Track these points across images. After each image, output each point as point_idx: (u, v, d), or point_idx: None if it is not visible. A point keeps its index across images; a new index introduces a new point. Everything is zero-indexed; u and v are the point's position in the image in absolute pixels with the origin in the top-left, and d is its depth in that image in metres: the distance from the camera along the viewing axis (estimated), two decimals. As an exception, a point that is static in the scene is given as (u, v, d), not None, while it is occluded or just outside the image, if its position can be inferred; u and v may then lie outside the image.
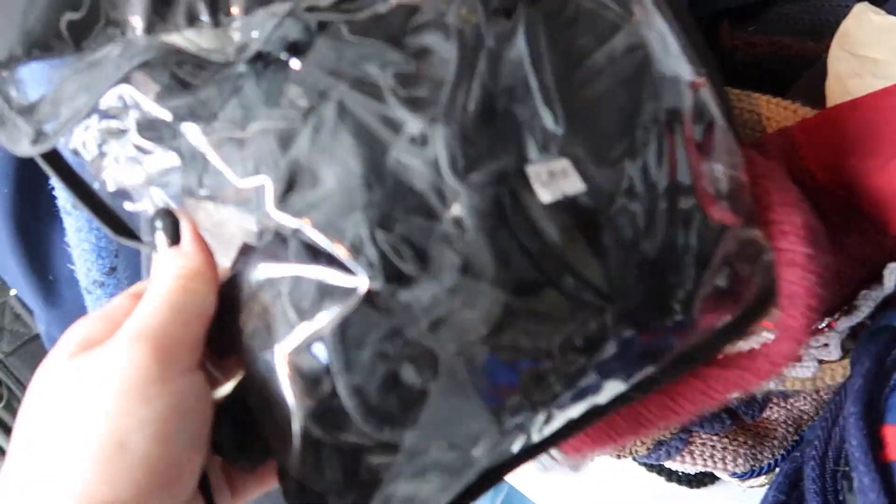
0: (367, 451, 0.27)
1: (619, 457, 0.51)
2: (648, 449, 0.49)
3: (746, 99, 0.56)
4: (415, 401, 0.26)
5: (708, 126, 0.35)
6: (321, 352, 0.26)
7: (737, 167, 0.35)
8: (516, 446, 0.29)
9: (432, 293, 0.26)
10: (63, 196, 0.41)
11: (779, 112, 0.54)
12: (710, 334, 0.33)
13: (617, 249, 0.29)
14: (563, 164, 0.29)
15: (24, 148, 0.28)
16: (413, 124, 0.26)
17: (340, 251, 0.25)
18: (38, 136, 0.27)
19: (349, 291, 0.25)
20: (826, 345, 0.45)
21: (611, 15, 0.33)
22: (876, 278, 0.45)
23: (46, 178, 0.69)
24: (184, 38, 0.28)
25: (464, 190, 0.26)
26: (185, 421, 0.25)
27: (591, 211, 0.29)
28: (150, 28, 0.28)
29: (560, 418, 0.30)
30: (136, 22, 0.28)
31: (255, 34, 0.27)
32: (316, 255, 0.26)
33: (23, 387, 0.82)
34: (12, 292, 0.80)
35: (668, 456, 0.49)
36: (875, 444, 0.36)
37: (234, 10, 0.28)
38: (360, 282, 0.25)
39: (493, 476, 0.30)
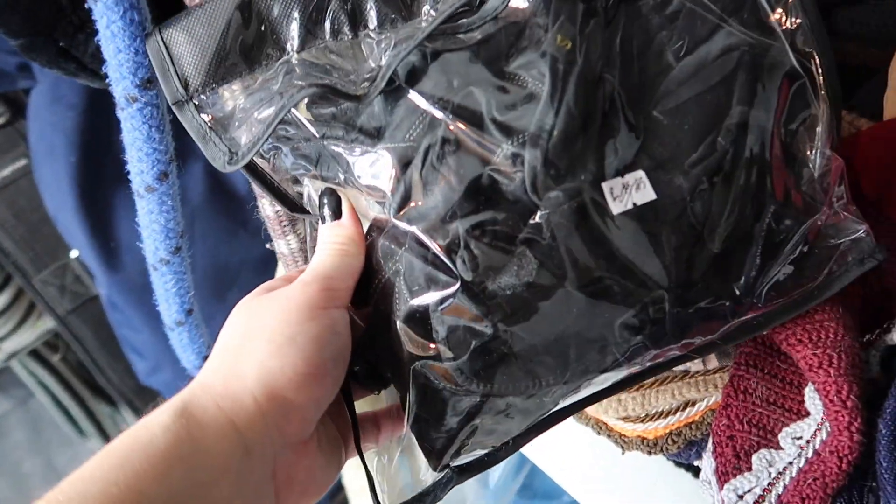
0: (460, 394, 0.34)
1: (650, 452, 0.52)
2: (679, 447, 0.51)
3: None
4: (497, 363, 0.33)
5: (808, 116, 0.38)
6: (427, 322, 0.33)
7: (829, 157, 0.39)
8: (580, 395, 0.38)
9: (513, 286, 0.32)
10: (137, 180, 0.43)
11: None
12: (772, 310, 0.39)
13: (681, 248, 0.34)
14: (638, 175, 0.33)
15: (221, 165, 0.34)
16: (505, 147, 0.31)
17: (441, 251, 0.32)
18: (232, 156, 0.34)
19: (448, 282, 0.32)
20: (867, 362, 0.45)
21: (711, 15, 0.35)
22: (919, 298, 0.45)
23: (112, 148, 0.72)
24: (326, 56, 0.34)
25: (542, 205, 0.31)
26: (335, 337, 0.34)
27: (659, 215, 0.34)
28: (302, 46, 0.34)
29: (612, 378, 0.38)
30: (293, 42, 0.34)
31: (384, 61, 0.33)
32: (426, 249, 0.33)
33: (80, 343, 0.87)
34: (73, 254, 0.84)
35: (699, 456, 0.51)
36: (905, 467, 0.37)
37: (370, 24, 0.35)
38: (456, 275, 0.32)
39: (561, 413, 0.38)
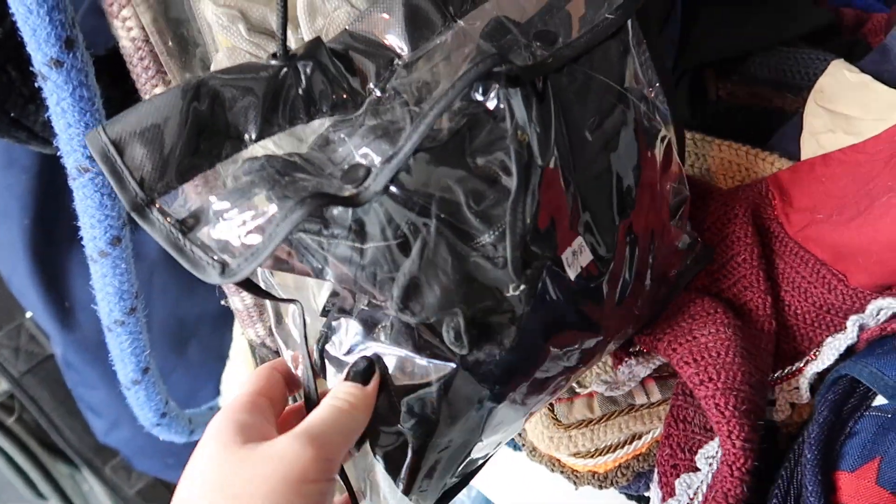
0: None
1: (601, 486, 0.54)
2: (628, 480, 0.53)
3: (727, 148, 0.60)
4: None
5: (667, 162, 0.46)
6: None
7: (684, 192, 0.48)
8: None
9: (497, 353, 0.36)
10: (90, 245, 0.44)
11: (756, 163, 0.58)
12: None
13: (611, 300, 0.41)
14: (579, 241, 0.39)
15: (214, 278, 0.32)
16: (486, 237, 0.35)
17: (447, 337, 0.35)
18: (224, 268, 0.32)
19: (451, 362, 0.36)
20: (797, 388, 0.48)
21: (612, 89, 0.39)
22: (841, 326, 0.49)
23: (66, 210, 0.73)
24: (287, 144, 0.34)
25: (520, 281, 0.35)
26: None
27: (600, 271, 0.40)
28: (260, 135, 0.34)
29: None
30: (251, 132, 0.34)
31: (356, 152, 0.34)
32: (418, 337, 0.36)
33: (35, 403, 0.86)
34: (28, 315, 0.83)
35: (647, 487, 0.53)
36: (828, 489, 0.39)
37: (324, 108, 0.36)
38: (458, 355, 0.36)
39: None
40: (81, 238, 0.49)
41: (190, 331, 0.75)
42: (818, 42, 0.64)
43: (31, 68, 0.40)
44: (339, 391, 0.35)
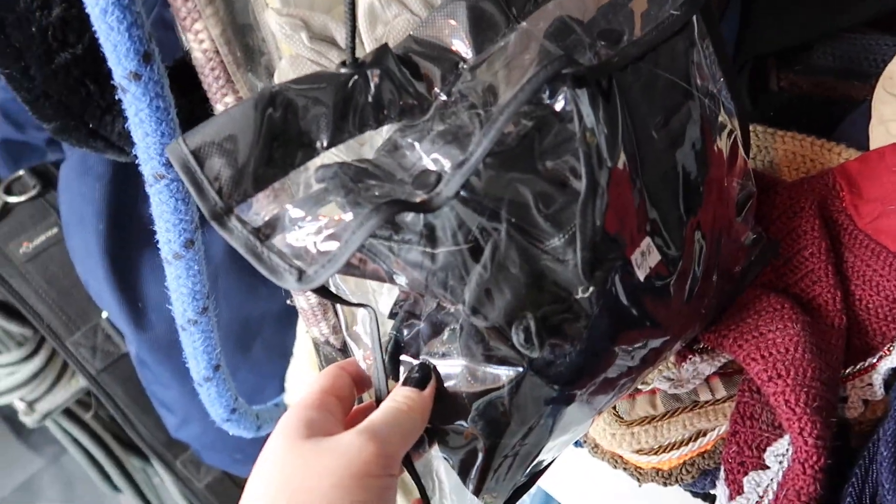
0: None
1: (665, 483, 0.53)
2: (693, 477, 0.52)
3: (791, 140, 0.58)
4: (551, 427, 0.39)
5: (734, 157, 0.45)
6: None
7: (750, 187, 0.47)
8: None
9: (566, 355, 0.36)
10: (165, 248, 0.46)
11: (822, 154, 0.56)
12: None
13: (679, 299, 0.41)
14: (647, 242, 0.38)
15: (291, 284, 0.32)
16: (556, 240, 0.35)
17: (517, 340, 0.35)
18: (301, 275, 0.32)
19: (519, 365, 0.36)
20: (870, 385, 0.47)
21: (678, 86, 0.39)
22: (916, 321, 0.47)
23: (138, 215, 0.76)
24: (358, 151, 0.34)
25: (591, 284, 0.36)
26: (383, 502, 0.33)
27: (669, 272, 0.40)
28: (332, 142, 0.35)
29: None
30: (323, 139, 0.34)
31: (425, 157, 0.34)
32: (488, 341, 0.36)
33: (111, 400, 0.90)
34: (104, 315, 0.87)
35: (713, 485, 0.52)
36: (907, 487, 0.38)
37: (392, 114, 0.36)
38: (528, 358, 0.36)
39: None
40: (155, 242, 0.51)
41: (254, 330, 0.77)
42: (885, 27, 0.62)
43: (108, 81, 0.42)
44: (397, 394, 0.36)
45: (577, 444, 0.58)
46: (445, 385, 0.37)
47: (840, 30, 0.61)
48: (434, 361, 0.37)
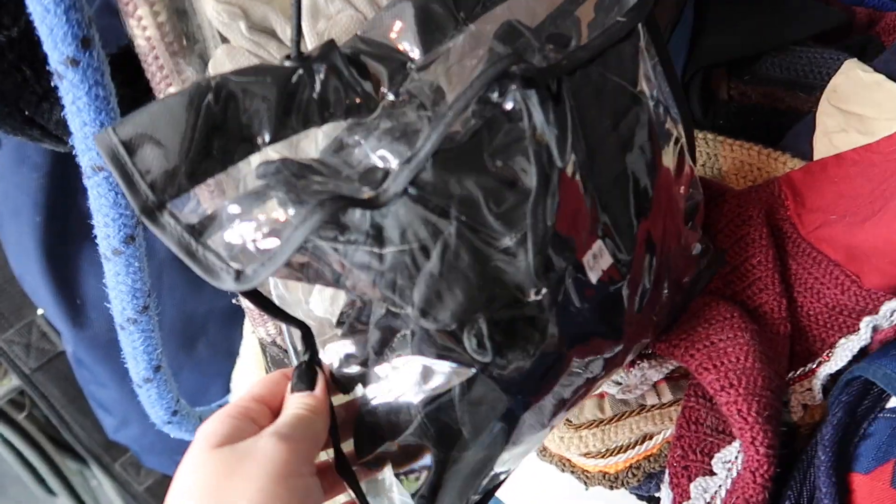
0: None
1: (611, 487, 0.54)
2: (639, 480, 0.53)
3: (739, 148, 0.59)
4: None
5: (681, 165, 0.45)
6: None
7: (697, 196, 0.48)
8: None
9: (518, 359, 0.36)
10: (104, 244, 0.44)
11: (769, 163, 0.58)
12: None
13: (632, 305, 0.41)
14: (599, 245, 0.38)
15: (229, 285, 0.31)
16: (507, 240, 0.34)
17: (469, 344, 0.35)
18: (239, 275, 0.30)
19: (469, 369, 0.35)
20: (810, 389, 0.48)
21: (626, 91, 0.39)
22: (854, 327, 0.48)
23: (77, 207, 0.73)
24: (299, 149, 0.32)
25: (542, 285, 0.35)
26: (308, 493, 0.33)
27: (621, 275, 0.40)
28: (274, 138, 0.33)
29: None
30: (265, 134, 0.33)
31: (371, 155, 0.33)
32: (439, 343, 0.35)
33: (46, 400, 0.86)
34: (39, 312, 0.84)
35: (658, 488, 0.53)
36: (843, 490, 0.39)
37: (337, 112, 0.35)
38: (479, 361, 0.35)
39: None
40: (94, 236, 0.49)
41: (199, 328, 0.75)
42: (830, 41, 0.64)
43: (45, 67, 0.40)
44: (293, 401, 0.36)
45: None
46: (395, 398, 0.36)
47: (788, 43, 0.62)
48: (384, 373, 0.37)
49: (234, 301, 0.52)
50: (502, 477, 0.41)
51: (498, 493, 0.62)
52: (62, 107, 0.41)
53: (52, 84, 0.39)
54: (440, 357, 0.35)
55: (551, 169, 0.35)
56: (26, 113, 0.51)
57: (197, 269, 0.31)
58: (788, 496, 0.42)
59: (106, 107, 0.38)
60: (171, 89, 0.40)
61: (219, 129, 0.32)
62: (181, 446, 0.86)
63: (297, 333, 0.37)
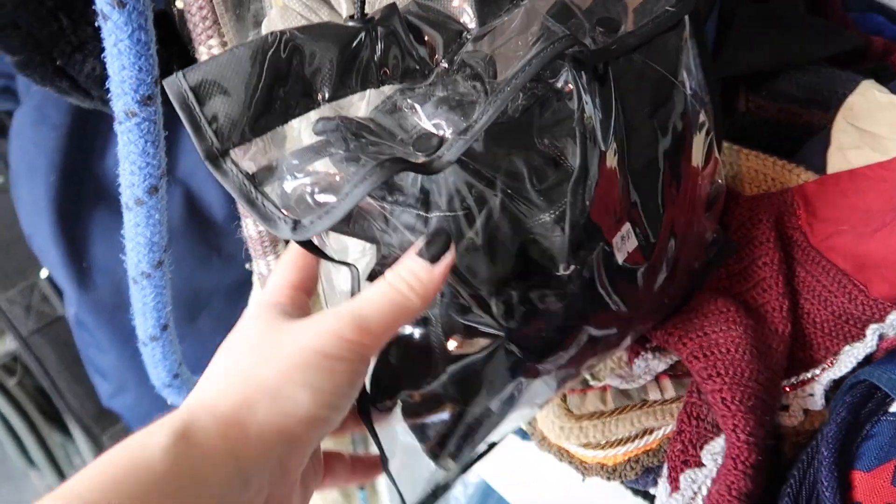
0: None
1: (608, 478, 0.54)
2: (637, 474, 0.53)
3: (755, 158, 0.60)
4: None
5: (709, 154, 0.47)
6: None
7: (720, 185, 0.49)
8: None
9: (541, 329, 0.37)
10: (127, 193, 0.44)
11: (783, 174, 0.59)
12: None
13: (648, 287, 0.42)
14: (626, 227, 0.39)
15: (285, 233, 0.31)
16: (545, 216, 0.35)
17: (497, 310, 0.35)
18: (296, 225, 0.31)
19: (497, 334, 0.36)
20: (811, 395, 0.48)
21: (666, 80, 0.41)
22: (859, 336, 0.49)
23: (92, 170, 0.73)
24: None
25: (574, 262, 0.36)
26: (352, 390, 0.32)
27: (644, 258, 0.41)
28: (333, 96, 0.34)
29: None
30: (325, 91, 0.33)
31: (426, 121, 0.34)
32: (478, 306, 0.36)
33: (41, 365, 0.86)
34: (43, 274, 0.83)
35: (655, 483, 0.53)
36: (843, 486, 0.40)
37: (395, 75, 0.36)
38: (505, 328, 0.36)
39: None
40: (107, 200, 0.49)
41: (203, 301, 0.75)
42: (846, 66, 0.65)
43: (83, 17, 0.40)
44: (402, 267, 0.32)
45: (524, 436, 0.58)
46: (420, 354, 0.37)
47: (806, 61, 0.64)
48: (409, 329, 0.37)
49: (247, 266, 0.53)
50: (507, 434, 0.43)
51: (496, 485, 0.62)
52: (95, 59, 0.41)
53: (89, 35, 0.40)
54: (465, 324, 0.36)
55: (593, 152, 0.36)
56: (58, 63, 0.51)
57: (256, 216, 0.32)
58: (787, 493, 0.43)
59: (146, 52, 0.39)
60: (212, 42, 0.41)
61: (282, 81, 0.32)
62: (174, 419, 0.85)
63: (349, 279, 0.37)
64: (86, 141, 0.69)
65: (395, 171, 0.30)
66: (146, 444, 0.28)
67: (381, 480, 0.93)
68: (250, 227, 0.50)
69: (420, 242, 0.33)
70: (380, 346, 0.33)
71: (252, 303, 0.34)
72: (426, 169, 0.31)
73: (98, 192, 0.69)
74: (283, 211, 0.31)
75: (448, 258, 0.33)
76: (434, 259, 0.32)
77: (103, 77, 0.41)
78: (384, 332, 0.32)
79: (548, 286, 0.36)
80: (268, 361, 0.31)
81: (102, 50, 0.40)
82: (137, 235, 0.46)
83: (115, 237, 0.51)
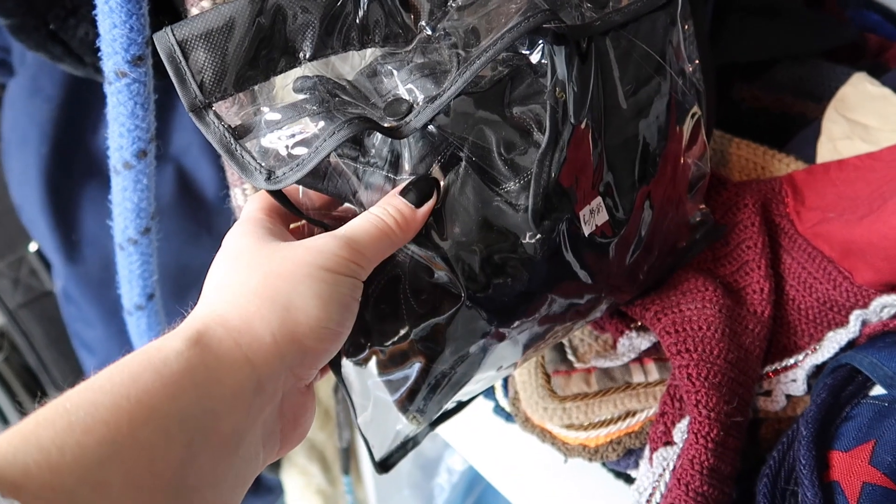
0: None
1: (590, 459, 0.54)
2: (619, 455, 0.53)
3: (745, 147, 0.61)
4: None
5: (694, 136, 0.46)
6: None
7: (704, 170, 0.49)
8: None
9: (505, 294, 0.37)
10: (115, 156, 0.44)
11: (773, 163, 0.59)
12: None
13: (619, 260, 0.42)
14: (598, 201, 0.40)
15: (260, 182, 0.33)
16: (511, 185, 0.36)
17: (459, 276, 0.36)
18: (270, 174, 0.32)
19: (459, 297, 0.37)
20: (794, 380, 0.48)
21: (652, 60, 0.41)
22: (842, 322, 0.49)
23: (84, 142, 0.73)
24: (335, 68, 0.35)
25: (539, 231, 0.37)
26: (354, 304, 0.34)
27: (614, 232, 0.41)
28: (314, 55, 0.35)
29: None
30: (306, 51, 0.34)
31: (400, 87, 0.35)
32: (430, 267, 0.36)
33: (27, 339, 0.85)
34: (32, 248, 0.83)
35: (636, 465, 0.53)
36: (821, 465, 0.40)
37: (376, 39, 0.36)
38: (468, 290, 0.36)
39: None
40: (98, 175, 0.49)
41: (191, 279, 0.74)
42: (841, 62, 0.66)
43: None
44: (389, 204, 0.35)
45: (508, 418, 0.58)
46: (390, 302, 0.37)
47: (802, 53, 0.64)
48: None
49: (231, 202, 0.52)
50: (474, 395, 0.45)
51: (480, 467, 0.62)
52: (88, 24, 0.41)
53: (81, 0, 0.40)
54: (430, 285, 0.37)
55: (564, 125, 0.36)
56: (51, 27, 0.51)
57: (234, 166, 0.33)
58: (767, 473, 0.43)
59: (137, 10, 0.39)
60: (204, 3, 0.41)
61: (266, 39, 0.33)
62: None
63: None
64: (79, 114, 0.69)
65: (361, 128, 0.32)
66: (161, 347, 0.29)
67: (366, 467, 0.93)
68: (238, 196, 0.50)
69: (403, 185, 0.35)
70: (369, 270, 0.34)
71: (237, 223, 0.35)
72: (393, 133, 0.33)
73: (89, 166, 0.68)
74: (259, 162, 0.32)
75: (430, 202, 0.35)
76: (412, 198, 0.35)
77: (96, 43, 0.41)
78: (373, 256, 0.34)
79: (513, 252, 0.37)
80: (276, 277, 0.32)
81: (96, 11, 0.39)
82: (125, 200, 0.46)
83: (106, 211, 0.51)
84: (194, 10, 0.41)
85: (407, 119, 0.34)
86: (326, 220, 0.38)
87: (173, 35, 0.33)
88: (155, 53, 0.41)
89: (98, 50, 0.41)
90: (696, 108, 0.45)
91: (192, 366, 0.29)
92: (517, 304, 0.38)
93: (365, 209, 0.35)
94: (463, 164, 0.36)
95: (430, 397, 0.39)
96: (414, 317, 0.36)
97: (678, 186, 0.46)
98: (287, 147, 0.33)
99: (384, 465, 0.42)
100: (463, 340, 0.38)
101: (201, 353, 0.29)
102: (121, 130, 0.43)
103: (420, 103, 0.34)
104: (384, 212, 0.34)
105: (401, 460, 0.43)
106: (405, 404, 0.38)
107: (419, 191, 0.35)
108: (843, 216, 0.51)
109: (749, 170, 0.60)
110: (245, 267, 0.32)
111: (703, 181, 0.48)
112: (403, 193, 0.35)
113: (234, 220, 0.58)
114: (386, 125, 0.33)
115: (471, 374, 0.40)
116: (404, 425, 0.41)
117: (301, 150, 0.33)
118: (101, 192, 0.69)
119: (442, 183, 0.35)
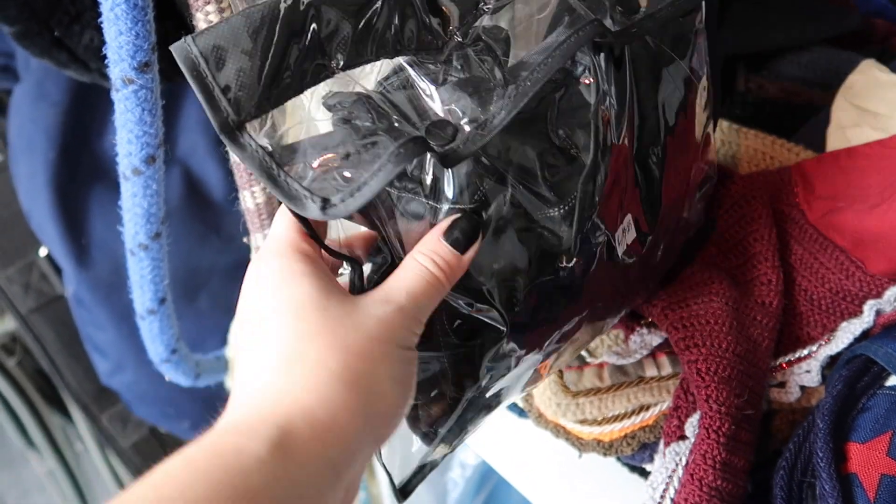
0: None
1: (604, 454, 0.54)
2: (633, 450, 0.53)
3: (754, 137, 0.60)
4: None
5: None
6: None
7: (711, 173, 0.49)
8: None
9: (542, 318, 0.37)
10: (124, 162, 0.44)
11: (782, 152, 0.58)
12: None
13: (640, 274, 0.42)
14: (629, 219, 0.39)
15: (314, 213, 0.29)
16: (554, 211, 0.34)
17: (499, 300, 0.34)
18: (325, 203, 0.29)
19: (497, 325, 0.35)
20: (808, 371, 0.48)
21: (679, 67, 0.40)
22: (856, 312, 0.49)
23: (90, 146, 0.73)
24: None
25: (579, 255, 0.36)
26: (408, 383, 0.31)
27: (641, 248, 0.41)
28: (348, 64, 0.31)
29: None
30: (339, 59, 0.31)
31: (438, 106, 0.32)
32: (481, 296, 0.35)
33: (40, 344, 0.86)
34: (42, 252, 0.83)
35: (651, 459, 0.53)
36: (839, 457, 0.40)
37: (410, 46, 0.33)
38: (509, 322, 0.35)
39: None
40: (105, 178, 0.49)
41: (202, 281, 0.75)
42: (847, 47, 0.65)
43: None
44: (434, 252, 0.31)
45: (521, 414, 0.59)
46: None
47: (808, 41, 0.64)
48: None
49: (244, 240, 0.53)
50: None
51: (494, 463, 0.62)
52: (93, 30, 0.41)
53: (86, 6, 0.40)
54: (469, 312, 0.35)
55: (606, 147, 0.35)
56: (56, 34, 0.51)
57: (279, 195, 0.29)
58: (783, 465, 0.43)
59: (143, 17, 0.39)
60: (209, 8, 0.41)
61: (299, 48, 0.30)
62: (172, 398, 0.86)
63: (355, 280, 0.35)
64: (85, 118, 0.69)
65: (423, 150, 0.29)
66: (241, 450, 0.26)
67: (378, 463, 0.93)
68: (248, 199, 0.50)
69: (445, 224, 0.32)
70: (421, 330, 0.32)
71: (275, 244, 0.32)
72: (441, 159, 0.30)
73: (97, 170, 0.69)
74: (307, 189, 0.29)
75: (475, 246, 0.32)
76: (458, 243, 0.32)
77: (101, 48, 0.41)
78: (424, 312, 0.32)
79: (553, 277, 0.36)
80: (355, 357, 0.29)
81: (101, 18, 0.39)
82: (135, 206, 0.46)
83: (114, 214, 0.51)
84: (199, 15, 0.41)
85: (454, 145, 0.30)
86: (329, 242, 0.35)
87: (195, 45, 0.28)
88: (161, 59, 0.41)
89: (104, 56, 0.41)
90: (708, 112, 0.45)
91: (276, 479, 0.26)
92: (553, 327, 0.38)
93: (397, 241, 0.33)
94: (509, 191, 0.33)
95: (455, 426, 0.38)
96: (448, 346, 0.35)
97: (691, 193, 0.46)
98: (340, 171, 0.30)
99: (404, 492, 0.39)
100: (500, 370, 0.37)
101: (284, 462, 0.27)
102: (129, 137, 0.43)
103: (464, 126, 0.31)
104: (432, 263, 0.31)
105: (419, 484, 0.40)
106: (430, 436, 0.37)
107: (463, 233, 0.32)
108: (853, 205, 0.51)
109: (758, 160, 0.59)
110: (318, 336, 0.29)
111: (708, 184, 0.48)
112: (447, 236, 0.32)
113: (244, 223, 0.59)
114: (437, 150, 0.30)
115: (504, 398, 0.39)
116: (426, 451, 0.39)
117: (353, 174, 0.29)
118: (110, 196, 0.70)
119: (485, 214, 0.33)
